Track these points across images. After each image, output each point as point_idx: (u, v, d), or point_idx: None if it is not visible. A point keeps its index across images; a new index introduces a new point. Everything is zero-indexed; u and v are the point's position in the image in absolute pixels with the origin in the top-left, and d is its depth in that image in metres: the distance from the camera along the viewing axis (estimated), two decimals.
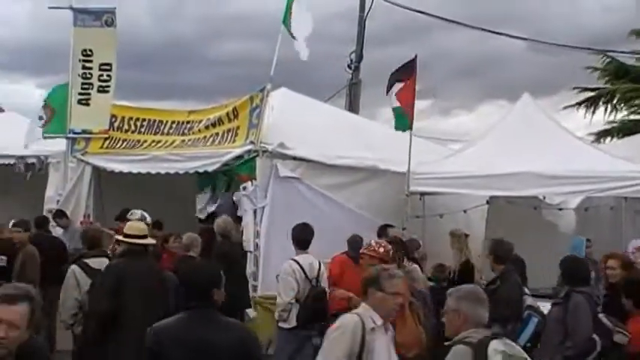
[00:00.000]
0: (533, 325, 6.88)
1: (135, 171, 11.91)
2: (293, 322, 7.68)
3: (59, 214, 11.70)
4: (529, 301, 7.23)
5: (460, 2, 39.01)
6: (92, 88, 12.92)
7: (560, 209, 12.61)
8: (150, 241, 7.34)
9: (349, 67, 20.14)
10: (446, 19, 20.77)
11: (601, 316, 6.47)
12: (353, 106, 19.52)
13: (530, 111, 11.40)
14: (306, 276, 7.75)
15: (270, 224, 10.37)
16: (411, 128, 10.81)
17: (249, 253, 10.27)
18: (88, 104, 12.95)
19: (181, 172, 11.35)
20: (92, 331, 6.87)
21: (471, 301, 4.46)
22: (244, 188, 10.50)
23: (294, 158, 10.81)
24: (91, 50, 12.89)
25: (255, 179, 10.41)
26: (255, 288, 10.04)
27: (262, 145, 10.53)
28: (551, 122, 11.34)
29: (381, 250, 6.80)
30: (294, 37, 11.31)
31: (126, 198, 11.68)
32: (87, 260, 7.86)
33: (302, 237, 8.09)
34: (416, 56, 10.92)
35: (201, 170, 11.08)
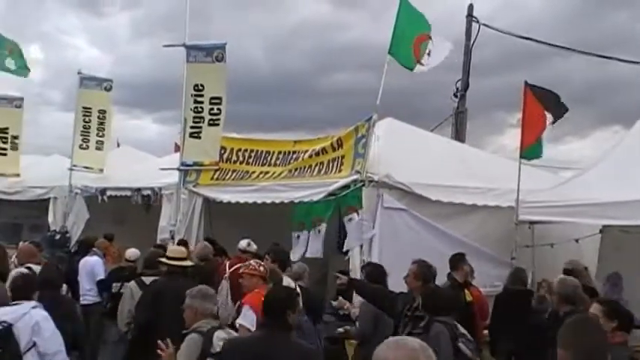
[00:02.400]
0: None
1: (242, 201, 12.16)
2: None
3: (180, 244, 11.91)
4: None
5: (573, 28, 38.06)
6: (203, 122, 13.35)
7: None
8: (187, 263, 8.53)
9: (455, 95, 19.98)
10: (556, 46, 20.33)
11: (460, 344, 6.35)
12: (459, 135, 19.32)
13: None
14: None
15: (379, 254, 10.32)
16: (520, 154, 10.63)
17: None
18: (199, 137, 13.38)
19: (287, 201, 11.50)
20: (132, 337, 8.41)
21: (201, 298, 5.86)
22: (350, 220, 10.52)
23: (401, 188, 10.74)
24: (202, 85, 13.34)
25: (361, 208, 10.40)
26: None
27: (368, 175, 10.50)
28: None
29: (261, 268, 7.42)
30: (408, 68, 11.39)
31: (235, 228, 11.94)
32: (143, 278, 9.02)
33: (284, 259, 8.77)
34: (525, 82, 10.73)
35: (306, 200, 11.16)
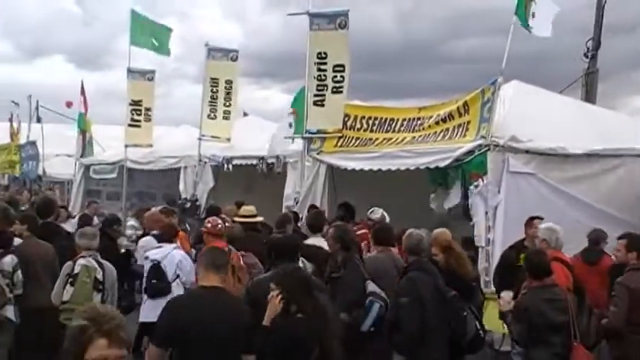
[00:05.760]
0: (376, 311, 7.03)
1: (366, 168, 12.20)
2: None
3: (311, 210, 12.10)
4: (370, 287, 7.22)
5: None
6: (326, 90, 13.43)
7: None
8: (258, 219, 10.25)
9: (585, 56, 19.17)
10: None
11: None
12: (589, 97, 18.56)
13: None
14: None
15: (504, 219, 10.11)
16: None
17: (480, 249, 10.18)
18: (322, 105, 13.49)
19: (412, 168, 11.39)
20: None
21: (78, 237, 7.81)
22: (476, 187, 10.33)
23: (527, 152, 10.44)
24: (325, 53, 13.39)
25: (486, 174, 10.20)
26: (487, 283, 9.82)
27: (493, 139, 10.24)
28: None
29: (209, 225, 8.67)
30: (527, 28, 10.95)
31: (359, 195, 12.01)
32: None
33: (315, 222, 9.42)
34: None
35: (432, 166, 11.05)
